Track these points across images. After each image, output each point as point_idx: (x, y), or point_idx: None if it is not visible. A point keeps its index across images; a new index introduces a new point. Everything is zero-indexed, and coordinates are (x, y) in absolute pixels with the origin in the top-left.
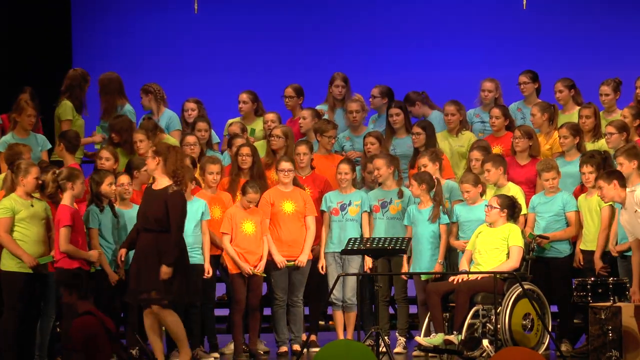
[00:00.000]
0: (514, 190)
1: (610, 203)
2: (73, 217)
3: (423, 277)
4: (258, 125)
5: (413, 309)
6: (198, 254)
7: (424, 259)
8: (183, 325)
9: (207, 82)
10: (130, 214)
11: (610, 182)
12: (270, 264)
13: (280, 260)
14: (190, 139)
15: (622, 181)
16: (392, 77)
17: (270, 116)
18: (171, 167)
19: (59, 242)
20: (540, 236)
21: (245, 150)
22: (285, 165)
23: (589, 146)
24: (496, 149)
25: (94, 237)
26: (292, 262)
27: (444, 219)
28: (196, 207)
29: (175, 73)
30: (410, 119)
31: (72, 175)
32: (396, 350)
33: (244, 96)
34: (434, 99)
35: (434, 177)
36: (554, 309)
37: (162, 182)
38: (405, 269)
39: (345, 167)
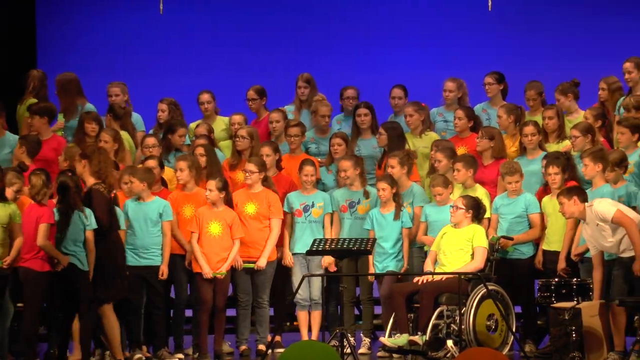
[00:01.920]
0: (481, 192)
1: None
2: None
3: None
4: (219, 126)
5: (378, 310)
6: (156, 255)
7: (391, 261)
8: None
9: (173, 82)
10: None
11: (570, 198)
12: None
13: (239, 263)
14: (149, 140)
15: (582, 196)
16: (360, 78)
17: (237, 118)
18: (95, 167)
19: (38, 236)
20: (504, 237)
21: (199, 150)
22: (249, 166)
23: (553, 147)
24: (460, 150)
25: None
26: (252, 264)
27: (407, 222)
28: (154, 207)
29: (141, 73)
30: (377, 120)
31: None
32: (361, 350)
33: (206, 96)
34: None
35: (395, 179)
36: (518, 309)
37: (90, 183)
38: (371, 269)
39: (310, 169)
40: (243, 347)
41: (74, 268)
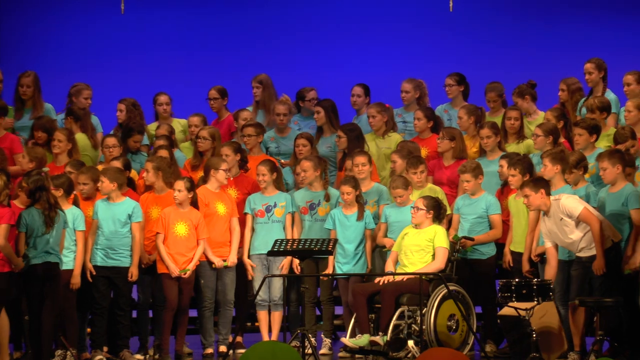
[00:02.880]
0: (438, 192)
1: None
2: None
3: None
4: (175, 127)
5: (339, 310)
6: (124, 257)
7: (353, 262)
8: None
9: (134, 82)
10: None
11: (537, 190)
12: (199, 266)
13: (218, 261)
14: (110, 140)
15: (548, 189)
16: (321, 77)
17: (195, 119)
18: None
19: None
20: (465, 237)
21: (162, 152)
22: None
23: (513, 147)
24: (422, 151)
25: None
26: (225, 262)
27: (370, 223)
28: (124, 208)
29: (102, 73)
30: (336, 119)
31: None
32: (322, 351)
33: (164, 98)
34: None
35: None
36: (479, 309)
37: None
38: (330, 270)
39: (262, 169)
40: (209, 350)
41: (56, 268)
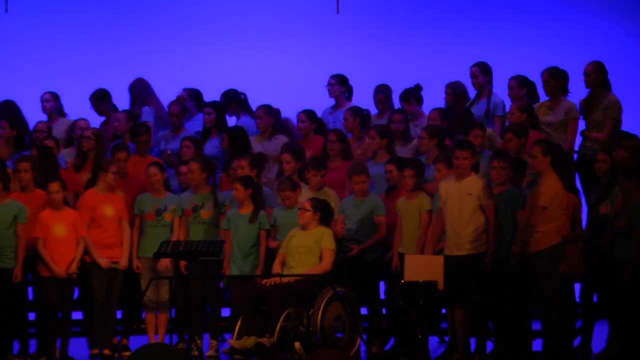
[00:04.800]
0: (330, 195)
1: (429, 208)
2: None
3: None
4: (60, 127)
5: (226, 312)
6: (9, 259)
7: (245, 263)
8: None
9: (17, 81)
10: None
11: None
12: (88, 267)
13: (104, 262)
14: None
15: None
16: (205, 79)
17: (82, 123)
18: None
19: None
20: (352, 239)
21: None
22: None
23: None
24: (306, 153)
25: None
26: (115, 264)
27: (265, 224)
28: (8, 209)
29: None
30: (224, 121)
31: None
32: (208, 353)
33: (47, 96)
34: (252, 102)
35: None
36: (365, 311)
37: None
38: (226, 272)
39: (153, 169)
40: (95, 351)
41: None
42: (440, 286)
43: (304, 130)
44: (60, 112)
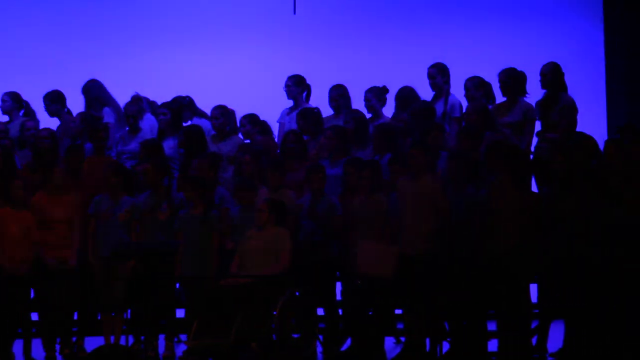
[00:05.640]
0: (286, 195)
1: (385, 209)
2: None
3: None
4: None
5: (181, 313)
6: None
7: (198, 264)
8: None
9: None
10: None
11: None
12: (41, 269)
13: (54, 263)
14: None
15: None
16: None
17: (29, 124)
18: None
19: None
20: (309, 240)
21: None
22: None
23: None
24: None
25: None
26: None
27: (217, 225)
28: None
29: None
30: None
31: None
32: (164, 354)
33: (5, 97)
34: (206, 104)
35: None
36: (322, 311)
37: None
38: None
39: (110, 170)
40: (50, 354)
41: None
42: (389, 275)
43: (247, 134)
44: (27, 113)
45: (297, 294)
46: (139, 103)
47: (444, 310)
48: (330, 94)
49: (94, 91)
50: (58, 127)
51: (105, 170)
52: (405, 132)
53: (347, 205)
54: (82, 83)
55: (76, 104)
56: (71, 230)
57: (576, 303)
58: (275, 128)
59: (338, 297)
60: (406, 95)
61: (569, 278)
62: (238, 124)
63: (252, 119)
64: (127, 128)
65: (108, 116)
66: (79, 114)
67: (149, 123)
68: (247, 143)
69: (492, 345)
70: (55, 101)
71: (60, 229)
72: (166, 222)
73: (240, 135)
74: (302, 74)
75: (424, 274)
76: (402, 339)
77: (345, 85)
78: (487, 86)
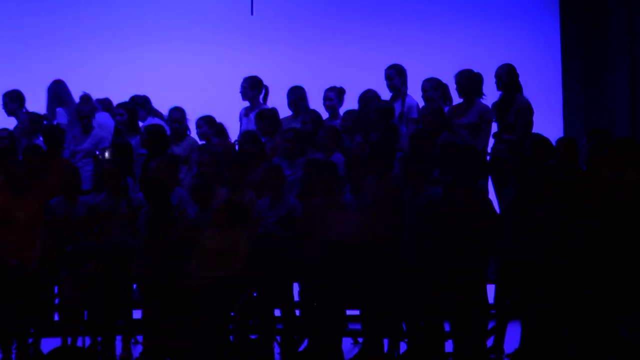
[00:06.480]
0: (245, 195)
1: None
2: None
3: None
4: None
5: (138, 314)
6: None
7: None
8: None
9: None
10: None
11: None
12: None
13: (13, 264)
14: None
15: None
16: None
17: None
18: None
19: None
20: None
21: None
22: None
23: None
24: None
25: None
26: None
27: (175, 225)
28: None
29: None
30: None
31: None
32: (121, 355)
33: None
34: (163, 105)
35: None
36: (279, 312)
37: None
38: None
39: (66, 171)
40: (7, 356)
41: None
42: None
43: (204, 135)
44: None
45: (254, 294)
46: (89, 102)
47: (401, 310)
48: (289, 96)
49: (56, 91)
50: (15, 127)
51: (62, 172)
52: (352, 131)
53: (306, 206)
54: (45, 83)
55: (38, 104)
56: (32, 231)
57: (532, 303)
58: (231, 129)
59: (296, 298)
60: (370, 97)
61: (524, 277)
62: (188, 124)
63: (208, 121)
64: (79, 128)
65: (60, 116)
66: (26, 113)
67: (98, 121)
68: (205, 144)
69: (449, 346)
70: (13, 100)
71: (20, 229)
72: (125, 223)
73: (192, 136)
74: (259, 75)
75: (383, 275)
76: (360, 339)
77: (303, 85)
78: (444, 87)
